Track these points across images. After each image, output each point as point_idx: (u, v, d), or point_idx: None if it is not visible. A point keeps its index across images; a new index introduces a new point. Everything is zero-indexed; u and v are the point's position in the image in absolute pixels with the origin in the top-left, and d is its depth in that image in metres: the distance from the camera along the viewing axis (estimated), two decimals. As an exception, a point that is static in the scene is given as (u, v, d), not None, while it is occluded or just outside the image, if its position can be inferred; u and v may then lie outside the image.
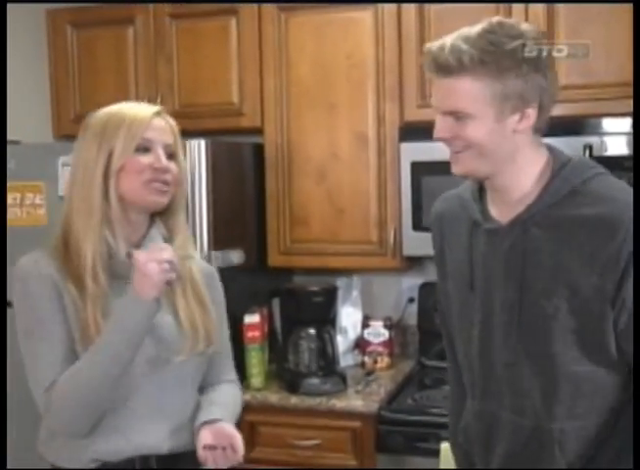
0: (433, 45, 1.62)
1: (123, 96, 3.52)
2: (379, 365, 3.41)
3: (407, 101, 3.16)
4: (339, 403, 3.00)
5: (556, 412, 1.64)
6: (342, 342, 3.41)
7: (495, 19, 1.63)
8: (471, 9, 3.02)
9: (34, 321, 1.80)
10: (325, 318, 3.25)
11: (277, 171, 3.35)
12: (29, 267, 1.84)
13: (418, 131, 3.10)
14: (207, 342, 1.89)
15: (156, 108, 1.89)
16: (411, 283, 3.56)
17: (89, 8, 3.60)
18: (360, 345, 3.49)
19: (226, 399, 1.98)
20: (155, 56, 3.49)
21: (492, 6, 3.00)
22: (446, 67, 1.59)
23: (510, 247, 1.66)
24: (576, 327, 1.60)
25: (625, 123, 2.83)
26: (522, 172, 1.66)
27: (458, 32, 1.61)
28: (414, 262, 3.44)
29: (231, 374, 2.08)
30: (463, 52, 1.56)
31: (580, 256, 1.58)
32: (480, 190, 1.77)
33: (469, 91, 1.58)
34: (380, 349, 3.43)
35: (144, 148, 1.82)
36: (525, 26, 1.63)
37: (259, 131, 3.38)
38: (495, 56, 1.56)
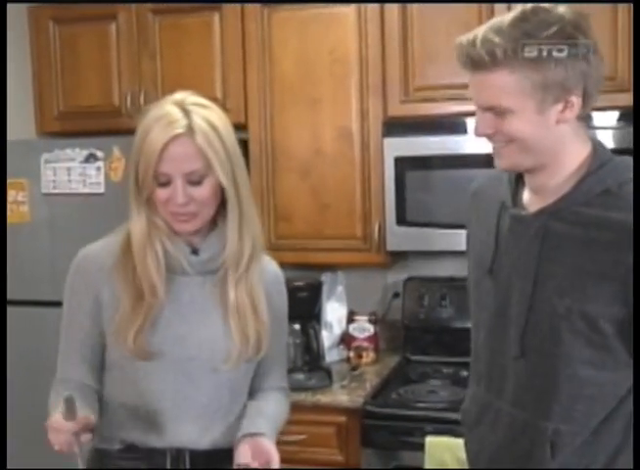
0: (463, 39, 1.55)
1: (107, 93, 3.54)
2: (364, 360, 3.41)
3: (390, 96, 3.17)
4: (324, 398, 3.01)
5: (553, 412, 1.61)
6: (328, 337, 3.41)
7: (529, 5, 1.54)
8: (454, 5, 3.04)
9: (64, 314, 1.86)
10: (310, 313, 3.25)
11: (261, 167, 3.35)
12: (78, 259, 1.87)
13: (401, 126, 3.13)
14: (257, 350, 1.85)
15: (177, 130, 1.72)
16: (396, 278, 3.57)
17: (71, 4, 3.57)
18: (345, 340, 3.50)
19: (274, 409, 1.94)
20: (138, 52, 3.47)
21: (475, 4, 3.01)
22: (480, 61, 1.52)
23: (531, 238, 1.62)
24: (586, 331, 1.55)
25: (611, 117, 2.85)
26: (560, 163, 1.60)
27: (490, 23, 1.54)
28: (399, 257, 3.46)
29: (282, 381, 2.04)
30: (496, 45, 1.49)
31: (601, 259, 1.53)
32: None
33: (506, 85, 1.52)
34: (365, 344, 3.43)
35: (162, 182, 1.74)
36: (561, 9, 1.54)
37: (243, 127, 3.37)
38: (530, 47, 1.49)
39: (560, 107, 1.54)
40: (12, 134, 3.35)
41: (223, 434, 1.85)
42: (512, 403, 1.67)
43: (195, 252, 1.83)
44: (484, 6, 2.99)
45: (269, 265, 1.98)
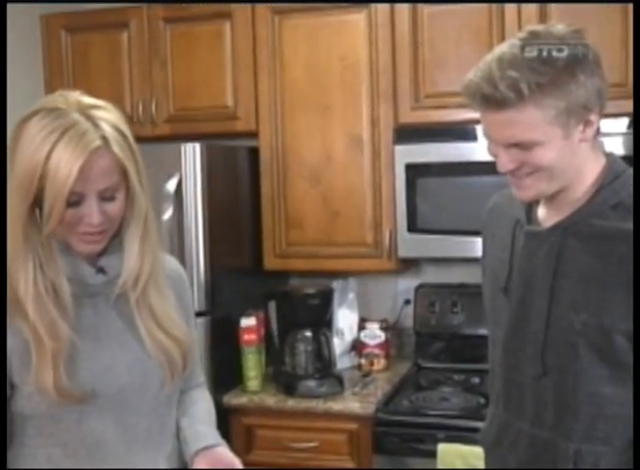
0: (474, 77, 1.50)
1: (118, 101, 3.53)
2: (375, 367, 3.41)
3: (401, 103, 3.17)
4: (335, 406, 3.00)
5: (574, 432, 1.57)
6: (339, 344, 3.41)
7: (526, 31, 1.51)
8: (463, 10, 3.04)
9: None
10: (321, 320, 3.26)
11: (272, 174, 3.35)
12: None
13: (412, 133, 3.13)
14: (185, 366, 1.73)
15: (93, 144, 1.51)
16: (407, 285, 3.56)
17: (83, 12, 3.60)
18: (357, 347, 3.49)
19: (205, 411, 1.87)
20: (149, 60, 3.49)
21: (485, 7, 3.01)
22: (505, 100, 1.46)
23: (546, 253, 1.59)
24: (603, 346, 1.52)
25: (622, 124, 2.84)
26: (580, 180, 1.58)
27: (496, 58, 1.49)
28: (410, 264, 3.45)
29: (200, 377, 1.94)
30: (518, 80, 1.44)
31: (617, 272, 1.51)
32: None
33: (533, 119, 1.48)
34: (376, 350, 3.43)
35: (72, 202, 1.52)
36: (560, 29, 1.52)
37: (254, 134, 3.38)
38: (550, 76, 1.45)
39: (581, 127, 1.52)
40: (24, 142, 3.35)
41: (171, 451, 1.76)
42: (531, 423, 1.65)
43: (101, 270, 1.65)
44: (495, 11, 2.99)
45: (170, 264, 1.84)
